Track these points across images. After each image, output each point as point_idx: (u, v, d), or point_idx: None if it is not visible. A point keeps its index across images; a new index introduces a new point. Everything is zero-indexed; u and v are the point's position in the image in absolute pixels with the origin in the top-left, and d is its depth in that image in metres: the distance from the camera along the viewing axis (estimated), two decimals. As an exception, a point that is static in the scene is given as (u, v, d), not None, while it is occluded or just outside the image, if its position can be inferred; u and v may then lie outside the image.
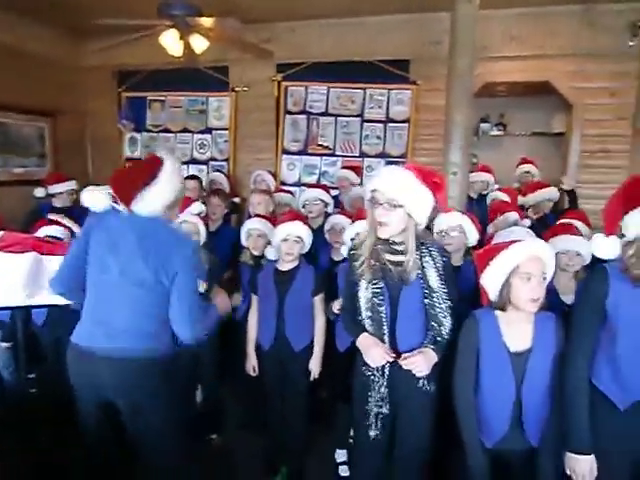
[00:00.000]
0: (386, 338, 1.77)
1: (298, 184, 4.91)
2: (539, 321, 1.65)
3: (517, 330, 1.65)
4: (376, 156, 4.70)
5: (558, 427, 1.62)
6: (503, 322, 1.66)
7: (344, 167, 4.43)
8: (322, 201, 3.54)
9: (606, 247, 1.57)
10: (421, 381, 1.78)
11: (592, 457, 1.55)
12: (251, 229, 2.83)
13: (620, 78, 3.97)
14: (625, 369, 1.52)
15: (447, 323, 1.77)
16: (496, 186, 4.05)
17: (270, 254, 2.62)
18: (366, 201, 1.79)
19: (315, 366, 2.50)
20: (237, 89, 5.00)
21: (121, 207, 1.80)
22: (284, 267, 2.52)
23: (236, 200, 4.48)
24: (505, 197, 3.49)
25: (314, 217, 3.47)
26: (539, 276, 1.60)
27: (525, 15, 4.27)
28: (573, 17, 4.21)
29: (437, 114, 3.91)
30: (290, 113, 4.90)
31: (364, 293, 1.78)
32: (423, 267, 1.75)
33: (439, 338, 1.77)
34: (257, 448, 2.74)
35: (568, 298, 2.25)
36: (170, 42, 3.67)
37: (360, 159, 4.74)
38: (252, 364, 2.59)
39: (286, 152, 4.96)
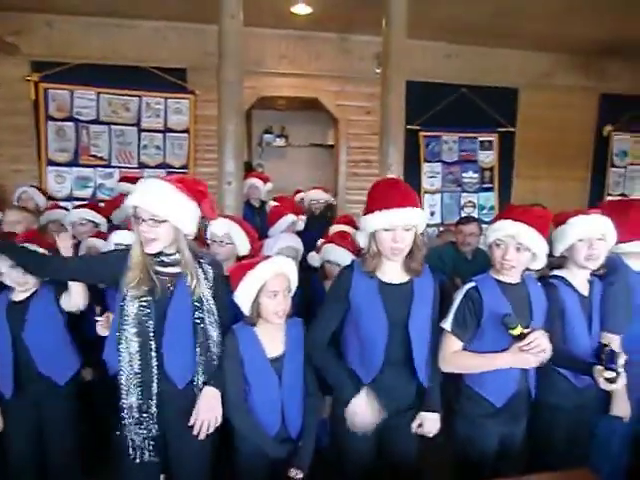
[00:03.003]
0: (153, 354, 1.67)
1: (70, 198, 4.37)
2: (289, 328, 1.79)
3: (272, 338, 1.76)
4: (156, 167, 4.51)
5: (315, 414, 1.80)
6: (260, 332, 1.76)
7: (122, 179, 4.10)
8: (91, 221, 3.20)
9: (359, 236, 1.78)
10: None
11: (362, 394, 1.69)
12: None
13: (372, 99, 4.58)
14: (366, 349, 1.75)
15: (215, 335, 1.75)
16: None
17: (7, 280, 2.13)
18: (131, 217, 1.68)
19: None
20: (-21, 88, 4.20)
21: None
22: (18, 297, 2.10)
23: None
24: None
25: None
26: (284, 291, 1.72)
27: (292, 37, 4.64)
28: (332, 43, 4.75)
29: (216, 124, 3.93)
30: (53, 119, 4.32)
31: (130, 308, 1.66)
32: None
33: (213, 362, 1.74)
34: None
35: None
36: None
37: (139, 170, 4.48)
38: None
39: (52, 163, 4.36)
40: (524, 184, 5.34)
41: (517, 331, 1.62)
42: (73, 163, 4.41)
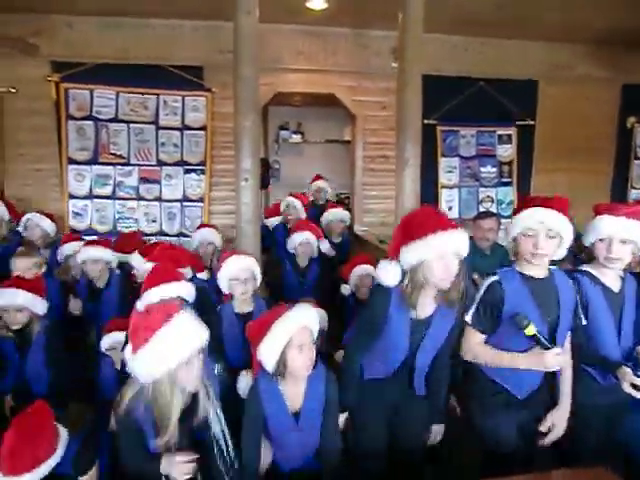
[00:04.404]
0: None
1: (89, 196, 4.47)
2: (311, 381, 1.75)
3: (295, 392, 1.74)
4: (174, 164, 4.55)
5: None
6: (283, 387, 1.74)
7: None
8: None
9: (388, 273, 1.71)
10: None
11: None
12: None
13: (388, 94, 4.55)
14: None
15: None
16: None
17: None
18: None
19: None
20: (1, 89, 4.28)
21: None
22: None
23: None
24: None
25: None
26: (310, 343, 1.68)
27: (308, 33, 4.63)
28: (348, 39, 4.72)
29: (232, 122, 3.95)
30: (74, 118, 4.39)
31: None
32: None
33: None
34: None
35: None
36: None
37: (158, 167, 4.53)
38: None
39: (72, 162, 4.43)
40: (543, 178, 5.24)
41: (529, 331, 1.58)
42: (93, 161, 4.47)
